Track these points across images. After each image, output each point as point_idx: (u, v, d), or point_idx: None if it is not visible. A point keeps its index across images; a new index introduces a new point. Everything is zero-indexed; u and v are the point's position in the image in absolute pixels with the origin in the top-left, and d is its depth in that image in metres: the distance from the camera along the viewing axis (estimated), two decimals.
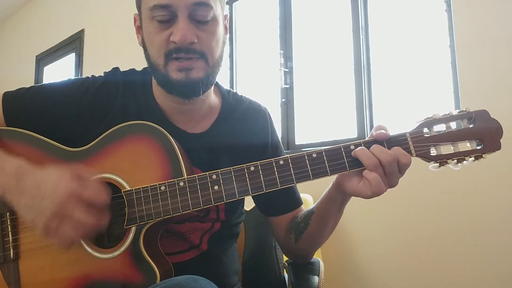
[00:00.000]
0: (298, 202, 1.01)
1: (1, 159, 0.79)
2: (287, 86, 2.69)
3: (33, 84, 0.95)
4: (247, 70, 3.11)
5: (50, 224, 0.70)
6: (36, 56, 5.08)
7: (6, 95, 0.92)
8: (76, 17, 4.45)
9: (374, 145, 0.76)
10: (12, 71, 5.55)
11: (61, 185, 0.70)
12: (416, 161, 0.76)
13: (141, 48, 0.92)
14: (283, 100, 2.70)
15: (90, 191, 0.72)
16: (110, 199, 0.76)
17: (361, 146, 0.77)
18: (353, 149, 0.77)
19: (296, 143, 2.62)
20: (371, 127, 2.30)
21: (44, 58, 4.99)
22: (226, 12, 0.93)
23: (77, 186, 0.71)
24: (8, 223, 0.84)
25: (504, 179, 1.71)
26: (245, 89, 3.03)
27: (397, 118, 2.26)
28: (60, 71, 4.81)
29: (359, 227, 2.14)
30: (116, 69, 0.98)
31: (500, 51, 1.78)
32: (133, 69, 0.99)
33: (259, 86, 3.01)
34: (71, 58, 4.55)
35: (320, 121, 2.62)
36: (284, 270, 1.13)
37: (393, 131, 0.78)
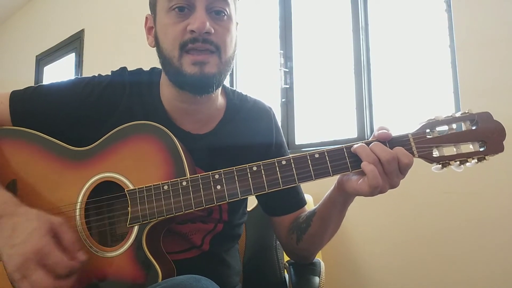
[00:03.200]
0: (301, 203, 1.01)
1: None
2: (287, 86, 2.70)
3: (39, 84, 0.96)
4: (247, 70, 3.11)
5: (13, 275, 0.70)
6: (36, 56, 5.08)
7: (14, 94, 0.92)
8: (76, 17, 4.45)
9: (374, 142, 0.75)
10: (12, 71, 5.55)
11: (32, 239, 0.70)
12: (416, 161, 0.76)
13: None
14: (283, 100, 2.70)
15: (59, 254, 0.70)
16: (81, 263, 0.73)
17: None
18: None
19: (296, 143, 2.63)
20: (371, 127, 2.31)
21: (44, 58, 4.99)
22: (238, 20, 0.94)
23: (46, 244, 0.70)
24: None
25: (504, 179, 1.72)
26: (245, 89, 3.03)
27: (397, 118, 2.27)
28: (60, 71, 4.81)
29: (359, 228, 2.15)
30: (123, 69, 0.98)
31: (500, 51, 1.78)
32: (140, 69, 1.00)
33: (259, 86, 3.02)
34: (71, 58, 4.55)
35: (320, 121, 2.62)
36: (285, 270, 1.13)
37: (393, 131, 0.78)
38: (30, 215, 0.74)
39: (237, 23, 0.93)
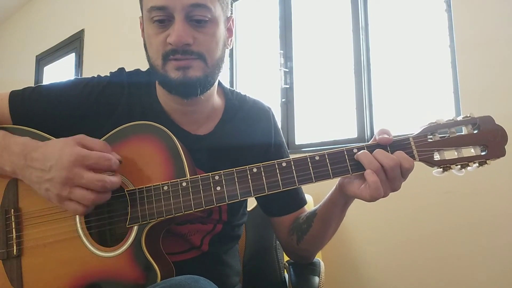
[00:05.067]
0: (301, 203, 1.01)
1: (7, 140, 0.81)
2: (287, 86, 2.70)
3: (38, 84, 0.96)
4: (247, 70, 3.11)
5: (62, 192, 0.72)
6: (36, 56, 5.08)
7: (13, 94, 0.92)
8: (76, 17, 4.45)
9: (377, 149, 0.75)
10: (12, 71, 5.55)
11: (65, 152, 0.73)
12: (417, 162, 0.76)
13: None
14: (283, 100, 2.70)
15: (95, 153, 0.74)
16: (118, 159, 0.77)
17: (364, 150, 0.76)
18: (355, 153, 0.76)
19: (296, 143, 2.63)
20: (371, 127, 2.31)
21: (44, 58, 5.00)
22: (230, 14, 0.93)
23: (80, 150, 0.73)
24: (13, 220, 0.85)
25: (504, 179, 1.72)
26: (245, 89, 3.03)
27: (397, 118, 2.27)
28: (60, 71, 4.82)
29: (360, 228, 2.15)
30: (121, 70, 0.99)
31: (500, 51, 1.78)
32: (138, 70, 1.00)
33: (259, 86, 3.02)
34: (71, 58, 4.55)
35: (320, 121, 2.62)
36: (285, 270, 1.13)
37: (393, 131, 0.78)
38: (53, 142, 0.77)
39: (230, 17, 0.92)
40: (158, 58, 0.84)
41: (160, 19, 0.82)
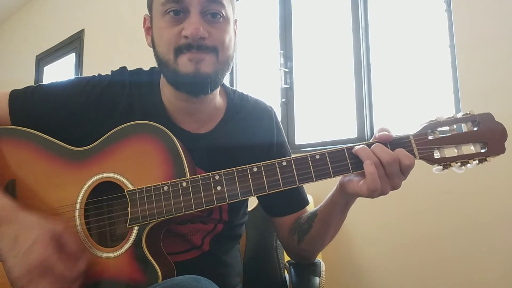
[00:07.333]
0: (302, 203, 1.00)
1: None
2: (287, 86, 2.70)
3: (38, 83, 0.95)
4: (247, 70, 3.11)
5: (16, 282, 0.70)
6: (36, 56, 5.08)
7: (13, 94, 0.92)
8: (76, 17, 4.45)
9: (375, 144, 0.75)
10: (12, 71, 5.55)
11: (36, 249, 0.70)
12: (417, 161, 0.76)
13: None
14: (283, 100, 2.70)
15: (63, 264, 0.71)
16: (85, 267, 0.75)
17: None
18: None
19: (296, 143, 2.63)
20: (371, 127, 2.31)
21: (44, 58, 5.00)
22: (237, 17, 0.94)
23: (50, 255, 0.70)
24: None
25: (504, 179, 1.72)
26: (245, 89, 3.02)
27: (397, 118, 2.27)
28: (60, 71, 4.82)
29: (360, 228, 2.15)
30: (123, 69, 0.98)
31: (500, 51, 1.78)
32: (140, 69, 1.00)
33: (259, 86, 3.02)
34: (71, 58, 4.56)
35: (320, 121, 2.62)
36: (285, 270, 1.13)
37: (394, 132, 0.78)
38: (31, 222, 0.73)
39: (236, 20, 0.93)
40: (170, 52, 0.84)
41: (176, 10, 0.82)
